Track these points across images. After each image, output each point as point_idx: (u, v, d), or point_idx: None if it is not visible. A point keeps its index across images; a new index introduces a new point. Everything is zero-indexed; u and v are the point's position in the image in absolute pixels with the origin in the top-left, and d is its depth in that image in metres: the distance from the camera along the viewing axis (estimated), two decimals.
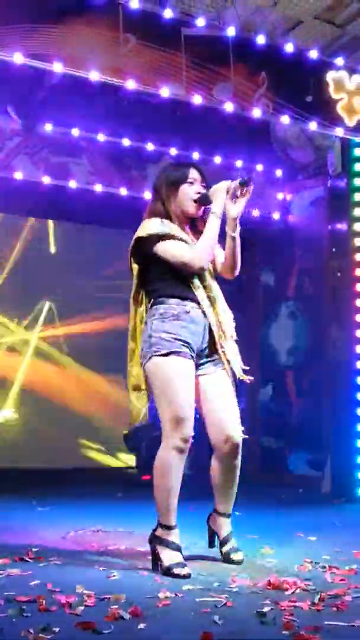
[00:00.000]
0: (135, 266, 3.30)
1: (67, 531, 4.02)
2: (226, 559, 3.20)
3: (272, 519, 4.72)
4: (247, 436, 3.27)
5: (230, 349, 3.27)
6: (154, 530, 3.12)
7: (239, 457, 3.24)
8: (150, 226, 3.19)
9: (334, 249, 6.23)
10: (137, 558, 3.31)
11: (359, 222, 6.00)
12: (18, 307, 7.19)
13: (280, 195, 7.25)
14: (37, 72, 5.00)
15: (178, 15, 5.03)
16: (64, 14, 4.67)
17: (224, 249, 3.37)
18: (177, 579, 2.89)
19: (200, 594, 2.63)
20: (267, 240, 7.28)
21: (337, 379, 6.08)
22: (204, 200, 3.28)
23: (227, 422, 3.21)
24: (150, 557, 3.13)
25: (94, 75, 4.75)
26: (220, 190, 3.26)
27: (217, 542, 3.30)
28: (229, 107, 5.26)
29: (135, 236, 3.23)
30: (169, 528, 3.07)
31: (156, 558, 3.08)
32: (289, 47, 5.40)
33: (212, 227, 3.23)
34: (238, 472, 3.26)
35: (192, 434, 3.13)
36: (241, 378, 3.29)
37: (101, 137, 6.25)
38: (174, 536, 3.07)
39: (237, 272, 3.38)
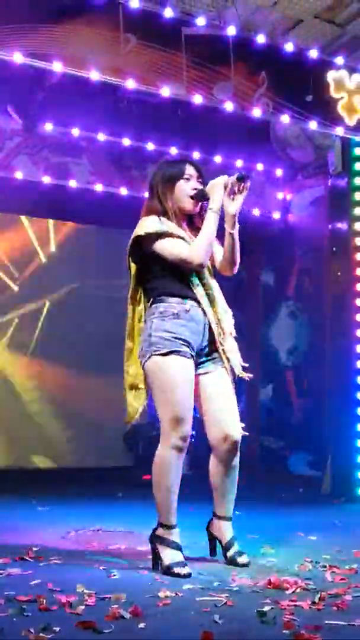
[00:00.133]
0: (133, 265, 3.29)
1: (67, 531, 4.02)
2: (232, 563, 3.16)
3: (273, 519, 4.72)
4: (246, 433, 3.26)
5: (229, 346, 3.26)
6: (155, 529, 3.11)
7: (238, 457, 3.23)
8: (148, 224, 3.18)
9: (334, 249, 6.23)
10: (137, 557, 3.31)
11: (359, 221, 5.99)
12: (18, 306, 7.18)
13: (280, 195, 7.26)
14: (38, 71, 5.00)
15: (178, 14, 5.02)
16: (64, 13, 4.67)
17: (222, 245, 3.36)
18: (177, 578, 2.89)
19: (200, 594, 2.63)
20: (267, 240, 7.28)
21: (337, 379, 6.08)
22: (200, 196, 3.27)
23: (226, 421, 3.20)
24: (150, 557, 3.13)
25: (94, 75, 4.75)
26: (217, 186, 3.25)
27: (219, 548, 3.28)
28: (229, 106, 5.26)
29: (133, 235, 3.22)
30: (169, 527, 3.07)
31: (157, 557, 3.08)
32: (289, 47, 5.40)
33: (210, 223, 3.22)
34: (237, 474, 3.25)
35: (191, 433, 3.13)
36: (240, 375, 3.29)
37: (101, 137, 6.25)
38: (174, 535, 3.07)
39: (236, 269, 3.37)
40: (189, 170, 3.29)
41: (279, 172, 7.15)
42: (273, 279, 7.41)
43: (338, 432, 5.98)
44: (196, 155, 6.26)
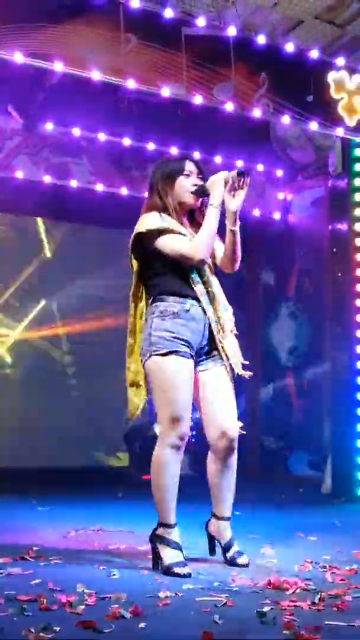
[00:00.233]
0: (134, 262, 3.29)
1: (67, 530, 4.03)
2: (231, 563, 3.16)
3: (273, 519, 4.72)
4: (244, 432, 3.26)
5: (229, 344, 3.27)
6: (155, 529, 3.12)
7: (235, 455, 3.23)
8: (149, 221, 3.18)
9: (334, 249, 6.23)
10: (137, 557, 3.31)
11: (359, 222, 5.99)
12: (18, 306, 7.19)
13: (280, 195, 7.26)
14: (38, 71, 5.00)
15: (179, 15, 5.02)
16: (65, 13, 4.67)
17: (224, 242, 3.36)
18: (177, 578, 2.89)
19: (200, 594, 2.63)
20: (267, 240, 7.28)
21: (337, 379, 6.08)
22: (201, 192, 3.26)
23: (224, 418, 3.20)
24: (150, 556, 3.13)
25: (95, 75, 4.75)
26: (217, 182, 3.24)
27: (219, 548, 3.28)
28: (229, 107, 5.26)
29: (134, 232, 3.22)
30: (168, 526, 3.07)
31: (157, 557, 3.08)
32: (290, 47, 5.40)
33: (211, 219, 3.21)
34: (235, 472, 3.25)
35: (188, 432, 3.14)
36: (240, 373, 3.29)
37: (102, 137, 6.26)
38: (174, 535, 3.07)
39: (237, 266, 3.37)
40: (189, 166, 3.29)
41: (279, 173, 7.15)
42: (273, 279, 7.41)
43: (338, 433, 5.98)
44: (196, 155, 6.24)
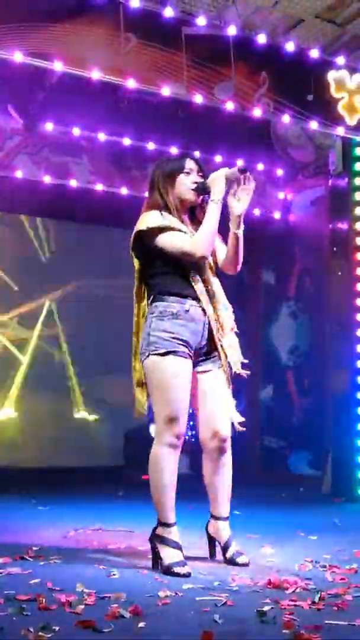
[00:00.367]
0: (136, 261, 3.29)
1: (67, 530, 4.02)
2: (231, 563, 3.16)
3: (273, 518, 4.71)
4: (244, 428, 3.25)
5: (229, 342, 3.26)
6: (154, 528, 3.12)
7: (228, 454, 3.23)
8: (150, 219, 3.18)
9: (334, 249, 6.22)
10: (137, 557, 3.31)
11: None
12: (18, 306, 7.18)
13: (281, 195, 7.26)
14: (38, 71, 4.99)
15: (179, 14, 5.02)
16: (65, 13, 4.66)
17: (226, 244, 3.36)
18: (177, 577, 2.89)
19: (200, 593, 2.63)
20: (268, 240, 7.28)
21: (337, 379, 6.08)
22: (201, 189, 3.26)
23: (215, 418, 3.21)
24: (150, 556, 3.13)
25: (95, 75, 4.74)
26: (218, 178, 3.24)
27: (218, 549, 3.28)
28: (229, 106, 5.25)
29: (135, 230, 3.22)
30: (168, 525, 3.07)
31: (156, 557, 3.08)
32: (290, 46, 5.40)
33: (212, 215, 3.21)
34: (229, 471, 3.25)
35: (185, 431, 3.14)
36: (238, 372, 3.28)
37: (102, 137, 6.25)
38: (174, 535, 3.07)
39: (239, 268, 3.37)
40: (189, 164, 3.29)
41: (279, 172, 7.15)
42: (274, 279, 7.41)
43: (338, 432, 5.98)
44: (197, 155, 6.25)
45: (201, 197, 3.29)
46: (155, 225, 3.16)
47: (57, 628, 2.13)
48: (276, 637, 2.13)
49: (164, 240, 3.17)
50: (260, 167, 6.97)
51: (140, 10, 4.78)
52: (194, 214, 3.35)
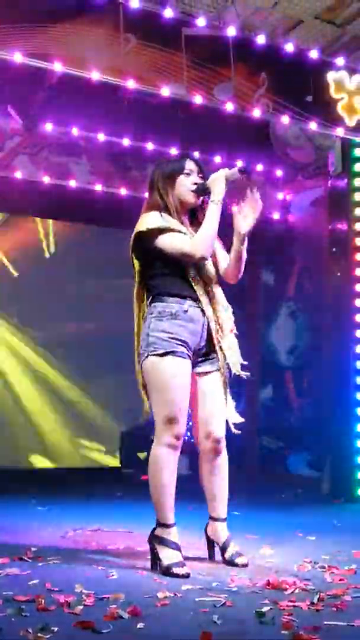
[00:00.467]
0: (136, 262, 3.28)
1: (66, 530, 4.02)
2: (230, 563, 3.16)
3: (272, 519, 4.71)
4: (239, 432, 3.25)
5: (228, 343, 3.26)
6: (153, 529, 3.11)
7: (223, 455, 3.23)
8: (149, 220, 3.18)
9: (334, 249, 6.22)
10: (136, 557, 3.31)
11: (359, 222, 5.99)
12: (17, 306, 7.19)
13: (280, 195, 7.26)
14: (38, 71, 4.99)
15: (178, 15, 5.02)
16: (65, 13, 4.66)
17: (228, 253, 3.35)
18: (176, 578, 2.89)
19: (199, 594, 2.63)
20: (267, 240, 7.27)
21: (337, 379, 6.08)
22: (201, 191, 3.26)
23: (211, 419, 3.21)
24: (149, 557, 3.13)
25: (94, 75, 4.74)
26: (218, 179, 3.24)
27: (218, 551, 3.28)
28: (229, 107, 5.25)
29: (135, 231, 3.21)
30: (167, 526, 3.07)
31: (155, 557, 3.08)
32: (289, 47, 5.40)
33: (212, 216, 3.21)
34: (225, 472, 3.25)
35: (184, 432, 3.14)
36: (237, 373, 3.28)
37: (101, 137, 6.25)
38: (173, 535, 3.07)
39: (239, 277, 3.37)
40: (189, 165, 3.29)
41: (279, 173, 7.15)
42: (273, 279, 7.41)
43: (337, 433, 5.97)
44: (196, 155, 6.25)
45: (201, 198, 3.29)
46: (155, 226, 3.16)
47: (55, 629, 2.13)
48: (275, 637, 2.13)
49: (164, 241, 3.16)
50: (259, 167, 6.97)
51: (140, 11, 4.78)
52: (194, 215, 3.34)
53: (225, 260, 3.37)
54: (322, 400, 6.45)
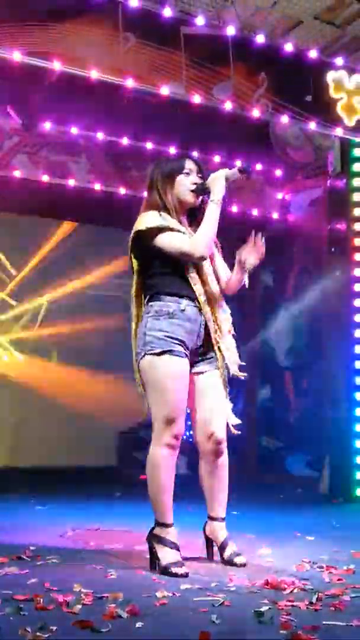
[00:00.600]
0: (135, 262, 3.27)
1: (65, 530, 4.02)
2: (229, 563, 3.15)
3: (270, 519, 4.71)
4: (239, 432, 3.25)
5: (226, 344, 3.26)
6: (152, 528, 3.11)
7: (224, 457, 3.23)
8: (148, 219, 3.17)
9: (333, 249, 6.23)
10: (135, 557, 3.30)
11: (358, 222, 5.99)
12: (16, 305, 7.18)
13: (279, 195, 7.26)
14: (37, 71, 4.99)
15: (177, 14, 5.02)
16: (64, 12, 4.67)
17: (231, 268, 3.35)
18: (174, 578, 2.89)
19: (198, 593, 2.62)
20: (266, 240, 7.21)
21: (335, 380, 6.08)
22: (201, 190, 3.25)
23: (212, 419, 3.20)
24: (148, 556, 3.12)
25: (94, 74, 4.74)
26: (218, 179, 3.23)
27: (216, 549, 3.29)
28: (228, 106, 5.26)
29: (134, 230, 3.20)
30: (165, 526, 3.06)
31: (154, 557, 3.07)
32: (289, 47, 5.40)
33: (211, 215, 3.20)
34: (226, 473, 3.24)
35: (183, 431, 3.13)
36: (235, 374, 3.28)
37: (100, 136, 6.25)
38: (171, 535, 3.06)
39: (237, 290, 3.39)
40: (189, 164, 3.28)
41: (278, 173, 7.15)
42: (272, 279, 7.41)
43: (336, 433, 5.98)
44: (195, 155, 6.25)
45: (200, 198, 3.28)
46: (154, 225, 3.15)
47: (54, 628, 2.12)
48: (274, 637, 2.13)
49: (163, 241, 3.16)
50: (259, 167, 6.97)
51: (139, 10, 4.78)
52: (193, 215, 3.34)
53: (224, 271, 3.36)
54: (321, 401, 6.46)
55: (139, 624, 2.21)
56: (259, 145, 6.64)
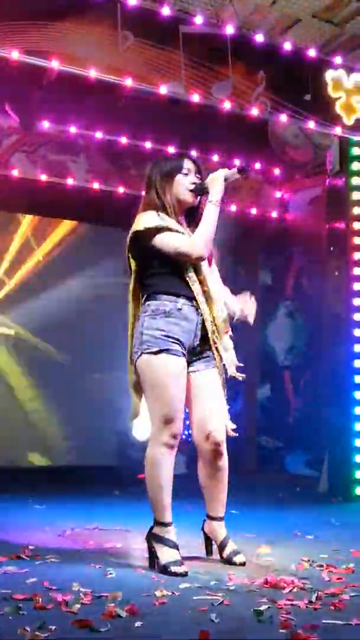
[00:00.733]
0: (132, 262, 3.27)
1: (63, 529, 4.02)
2: (228, 562, 3.16)
3: (270, 518, 4.71)
4: (235, 434, 3.24)
5: (224, 345, 3.25)
6: (151, 528, 3.11)
7: (223, 458, 3.21)
8: (146, 220, 3.16)
9: (332, 248, 6.22)
10: (134, 556, 3.31)
11: (357, 220, 5.99)
12: (16, 305, 7.18)
13: (278, 194, 7.26)
14: (35, 69, 4.98)
15: (176, 13, 5.01)
16: (62, 11, 4.66)
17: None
18: (174, 577, 2.89)
19: (197, 592, 2.62)
20: (265, 239, 7.28)
21: (334, 379, 6.08)
22: (199, 190, 3.25)
23: (210, 420, 3.19)
24: (147, 555, 3.12)
25: (92, 73, 4.74)
26: (217, 179, 3.23)
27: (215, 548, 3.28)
28: (227, 105, 5.25)
29: (132, 230, 3.19)
30: (164, 525, 3.06)
31: (153, 556, 3.07)
32: (287, 46, 5.40)
33: (210, 216, 3.20)
34: (225, 474, 3.23)
35: (181, 431, 3.13)
36: (233, 375, 3.27)
37: (99, 135, 6.24)
38: (170, 534, 3.06)
39: None
40: (187, 164, 3.28)
41: (277, 171, 7.15)
42: (271, 279, 7.41)
43: (335, 432, 5.97)
44: (194, 154, 6.25)
45: (198, 198, 3.28)
46: (152, 225, 3.14)
47: (53, 627, 2.12)
48: (273, 636, 2.13)
49: (161, 241, 3.15)
50: (257, 166, 6.97)
51: (138, 9, 4.78)
52: (192, 215, 3.33)
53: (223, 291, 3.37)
54: (320, 400, 6.46)
55: (138, 623, 2.21)
56: (257, 144, 6.64)
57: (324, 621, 2.26)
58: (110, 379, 6.98)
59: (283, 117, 5.53)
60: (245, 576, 2.90)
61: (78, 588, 2.59)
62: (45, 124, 6.06)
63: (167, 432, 3.06)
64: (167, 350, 3.09)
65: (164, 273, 3.19)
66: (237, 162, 6.58)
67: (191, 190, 3.25)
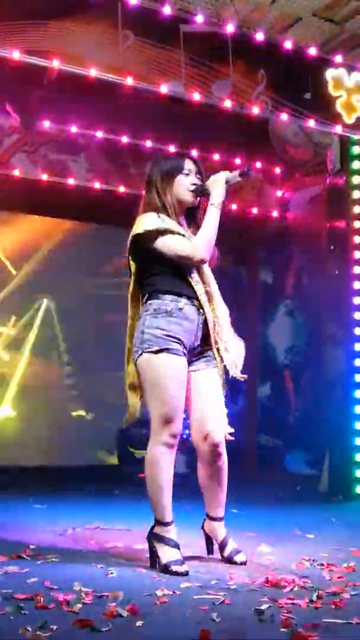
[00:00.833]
0: (132, 263, 3.26)
1: (64, 529, 4.02)
2: (229, 561, 3.16)
3: (270, 517, 4.71)
4: (232, 438, 3.23)
5: (229, 346, 3.25)
6: (152, 527, 3.11)
7: (222, 458, 3.20)
8: (147, 222, 3.15)
9: (332, 247, 6.22)
10: (135, 555, 3.30)
11: (358, 219, 5.99)
12: (16, 304, 7.17)
13: (279, 193, 7.25)
14: (36, 69, 4.98)
15: (176, 12, 5.01)
16: (63, 10, 4.66)
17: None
18: (175, 576, 2.89)
19: (198, 592, 2.62)
20: (265, 238, 7.28)
21: (335, 378, 6.08)
22: (200, 191, 3.24)
23: (208, 420, 3.18)
24: (148, 555, 3.12)
25: (93, 72, 4.74)
26: (218, 182, 3.22)
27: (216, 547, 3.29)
28: (227, 104, 5.25)
29: (132, 233, 3.19)
30: (165, 524, 3.06)
31: (154, 555, 3.07)
32: (288, 45, 5.40)
33: (211, 219, 3.19)
34: (224, 475, 3.22)
35: (181, 430, 3.13)
36: (234, 376, 3.27)
37: (99, 135, 6.24)
38: (171, 533, 3.06)
39: None
40: (188, 165, 3.27)
41: (277, 170, 7.14)
42: (271, 278, 7.41)
43: (335, 431, 5.98)
44: (194, 153, 6.25)
45: (198, 198, 3.27)
46: (153, 228, 3.13)
47: (54, 627, 2.12)
48: (274, 635, 2.13)
49: (163, 244, 3.14)
50: (258, 165, 6.97)
51: (139, 8, 4.77)
52: (192, 216, 3.33)
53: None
54: (320, 399, 6.46)
55: (139, 623, 2.21)
56: (258, 143, 6.64)
57: (324, 620, 2.26)
58: (112, 379, 6.98)
59: (283, 116, 5.53)
60: (246, 575, 2.90)
61: (79, 588, 2.59)
62: (46, 124, 6.06)
63: (167, 432, 3.06)
64: (167, 350, 3.09)
65: (166, 273, 3.18)
66: (238, 161, 6.60)
67: (191, 191, 3.24)
